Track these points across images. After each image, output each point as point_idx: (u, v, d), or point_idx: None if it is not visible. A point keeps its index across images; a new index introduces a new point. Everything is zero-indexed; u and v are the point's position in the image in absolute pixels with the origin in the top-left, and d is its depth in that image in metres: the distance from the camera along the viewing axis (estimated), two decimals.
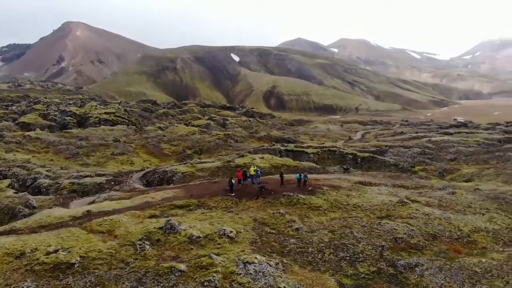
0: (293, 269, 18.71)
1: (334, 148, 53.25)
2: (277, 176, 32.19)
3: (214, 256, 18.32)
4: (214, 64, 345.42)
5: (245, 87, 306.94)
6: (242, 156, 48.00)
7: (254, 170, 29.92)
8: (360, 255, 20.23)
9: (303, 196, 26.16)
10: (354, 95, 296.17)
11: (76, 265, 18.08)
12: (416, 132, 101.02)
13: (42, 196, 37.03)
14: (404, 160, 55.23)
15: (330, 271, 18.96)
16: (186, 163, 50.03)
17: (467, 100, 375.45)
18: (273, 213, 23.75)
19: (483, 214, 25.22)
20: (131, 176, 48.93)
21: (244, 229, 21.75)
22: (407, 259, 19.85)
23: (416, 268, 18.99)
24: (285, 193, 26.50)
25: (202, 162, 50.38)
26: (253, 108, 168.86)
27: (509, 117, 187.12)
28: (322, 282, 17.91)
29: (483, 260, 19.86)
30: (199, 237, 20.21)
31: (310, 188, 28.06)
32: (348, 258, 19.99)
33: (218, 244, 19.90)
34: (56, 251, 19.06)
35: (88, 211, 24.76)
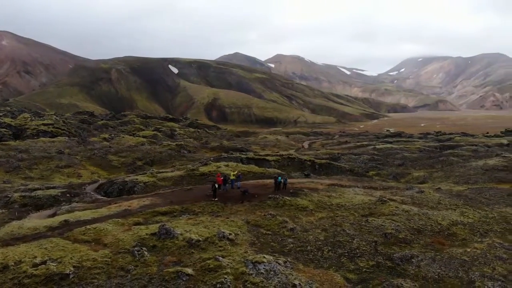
0: (299, 267, 18.68)
1: (293, 156, 54.28)
2: (253, 182, 32.14)
3: (220, 258, 17.79)
4: (152, 75, 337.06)
5: (185, 99, 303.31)
6: (206, 164, 47.26)
7: (234, 175, 29.61)
8: (357, 250, 20.72)
9: (288, 198, 26.35)
10: (292, 108, 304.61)
11: (71, 276, 16.59)
12: (358, 141, 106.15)
13: None
14: (357, 166, 57.82)
15: (333, 267, 19.18)
16: (145, 173, 48.17)
17: (395, 113, 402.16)
18: (264, 215, 23.63)
19: (455, 210, 27.05)
20: (84, 188, 46.08)
21: (240, 232, 21.39)
22: (400, 252, 20.68)
23: (412, 260, 19.81)
24: (270, 195, 26.51)
25: (162, 172, 48.83)
26: (197, 120, 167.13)
27: (434, 128, 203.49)
28: (330, 278, 18.06)
29: (468, 250, 21.26)
30: (199, 240, 19.53)
31: (291, 191, 28.33)
32: (347, 254, 20.39)
33: (220, 246, 19.36)
34: (44, 263, 17.37)
35: (65, 220, 22.88)
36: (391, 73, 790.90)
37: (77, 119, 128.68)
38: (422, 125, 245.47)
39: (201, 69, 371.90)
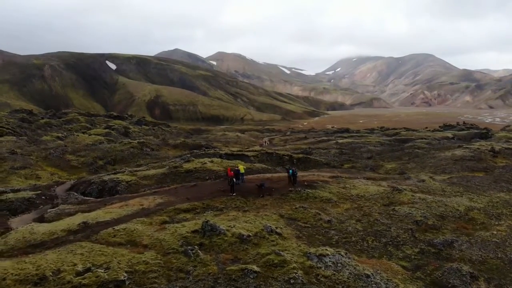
0: (354, 258, 18.37)
1: (271, 151, 53.99)
2: (254, 176, 31.35)
3: (282, 253, 16.98)
4: (88, 72, 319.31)
5: (125, 96, 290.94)
6: (189, 161, 45.40)
7: (244, 169, 28.69)
8: (398, 239, 20.88)
9: (310, 191, 25.98)
10: (238, 106, 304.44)
11: (127, 282, 14.92)
12: (315, 137, 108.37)
13: None
14: (331, 160, 58.80)
15: (384, 256, 19.15)
16: (123, 171, 45.36)
17: (334, 110, 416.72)
18: (296, 208, 23.07)
19: (461, 196, 28.27)
20: (54, 190, 42.41)
21: (281, 226, 20.63)
22: (437, 238, 21.12)
23: (454, 245, 20.35)
24: (291, 188, 25.96)
25: (140, 170, 46.29)
26: (144, 117, 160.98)
27: (372, 124, 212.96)
28: (388, 266, 17.96)
29: (494, 232, 22.26)
30: (249, 236, 18.52)
31: (306, 183, 27.99)
32: (390, 243, 20.47)
33: (272, 241, 18.52)
34: (89, 270, 15.45)
35: (84, 222, 20.61)
36: (328, 73, 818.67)
37: (15, 118, 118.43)
38: (361, 121, 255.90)
39: (140, 65, 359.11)
